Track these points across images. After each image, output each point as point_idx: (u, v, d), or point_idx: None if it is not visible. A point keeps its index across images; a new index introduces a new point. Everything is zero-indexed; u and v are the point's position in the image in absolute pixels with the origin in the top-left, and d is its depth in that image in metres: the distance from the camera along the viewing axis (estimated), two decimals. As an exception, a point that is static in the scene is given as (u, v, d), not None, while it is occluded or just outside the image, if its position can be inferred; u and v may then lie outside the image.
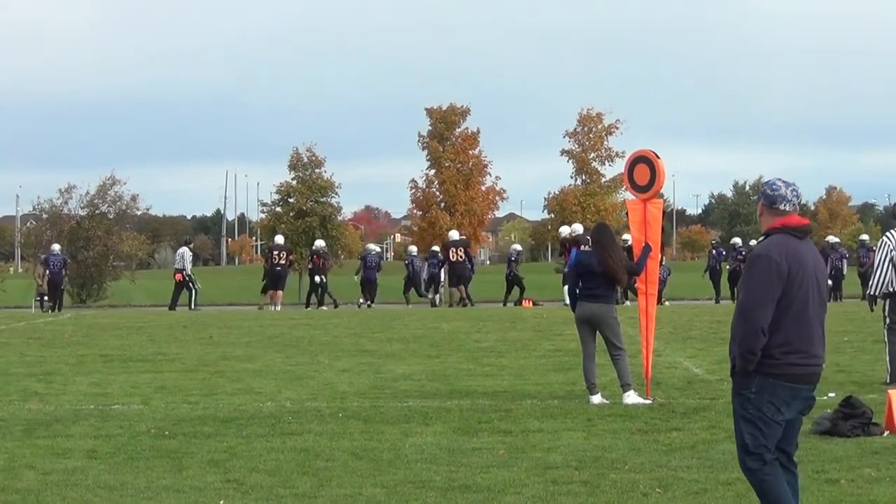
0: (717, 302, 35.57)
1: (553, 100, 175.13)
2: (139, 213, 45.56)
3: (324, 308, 34.03)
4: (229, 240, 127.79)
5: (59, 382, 14.63)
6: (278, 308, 33.87)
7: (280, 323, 25.44)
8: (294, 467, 9.03)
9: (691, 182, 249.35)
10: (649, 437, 10.21)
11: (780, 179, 6.33)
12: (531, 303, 34.42)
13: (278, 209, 46.14)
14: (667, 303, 32.66)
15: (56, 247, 36.24)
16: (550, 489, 8.19)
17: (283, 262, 35.09)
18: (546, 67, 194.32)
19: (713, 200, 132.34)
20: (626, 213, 14.93)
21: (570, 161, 54.36)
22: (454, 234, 36.77)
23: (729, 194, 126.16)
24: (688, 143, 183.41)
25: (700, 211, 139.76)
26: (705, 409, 11.74)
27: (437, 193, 50.41)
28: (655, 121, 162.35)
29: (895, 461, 9.01)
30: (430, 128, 50.70)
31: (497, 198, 52.12)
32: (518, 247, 40.15)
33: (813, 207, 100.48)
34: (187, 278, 33.89)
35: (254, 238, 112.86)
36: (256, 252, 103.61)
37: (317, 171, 46.14)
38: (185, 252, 34.74)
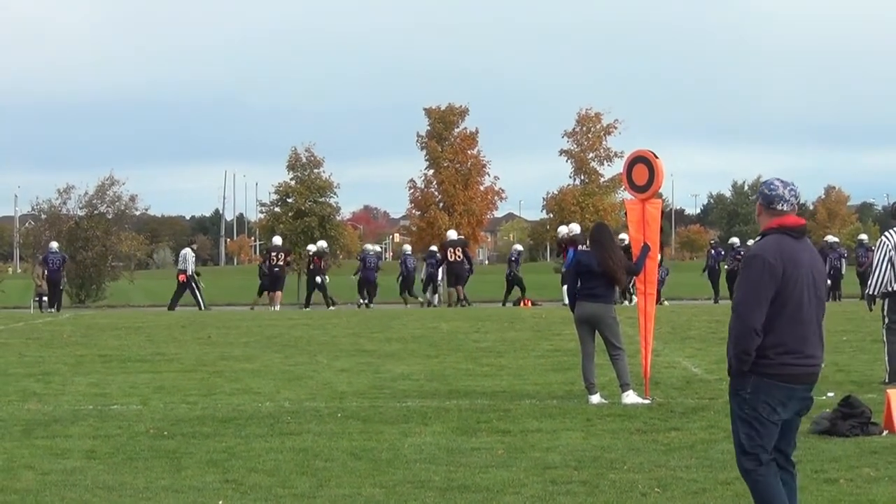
0: (715, 302, 35.56)
1: (552, 100, 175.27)
2: (138, 213, 45.56)
3: (331, 308, 34.08)
4: (228, 240, 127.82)
5: (58, 383, 14.63)
6: (277, 308, 33.96)
7: (278, 323, 25.44)
8: (293, 467, 9.03)
9: (690, 182, 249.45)
10: (648, 437, 10.22)
11: (778, 179, 6.32)
12: (530, 303, 34.43)
13: (277, 209, 46.14)
14: (666, 302, 32.66)
15: (54, 244, 36.23)
16: (549, 489, 8.19)
17: (281, 262, 35.15)
18: (545, 67, 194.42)
19: (712, 200, 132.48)
20: (625, 213, 14.93)
21: (569, 161, 54.39)
22: (452, 234, 36.76)
23: (728, 194, 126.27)
24: (687, 143, 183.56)
25: (699, 211, 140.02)
26: (704, 408, 11.74)
27: (436, 193, 50.42)
28: (655, 121, 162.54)
29: (894, 461, 9.01)
30: (428, 128, 50.71)
31: (496, 198, 52.12)
32: (519, 247, 40.13)
33: (812, 207, 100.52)
34: (191, 279, 33.91)
35: (252, 238, 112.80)
36: (255, 252, 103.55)
37: (315, 171, 46.13)
38: (188, 253, 34.76)
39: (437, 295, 36.57)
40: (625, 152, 44.80)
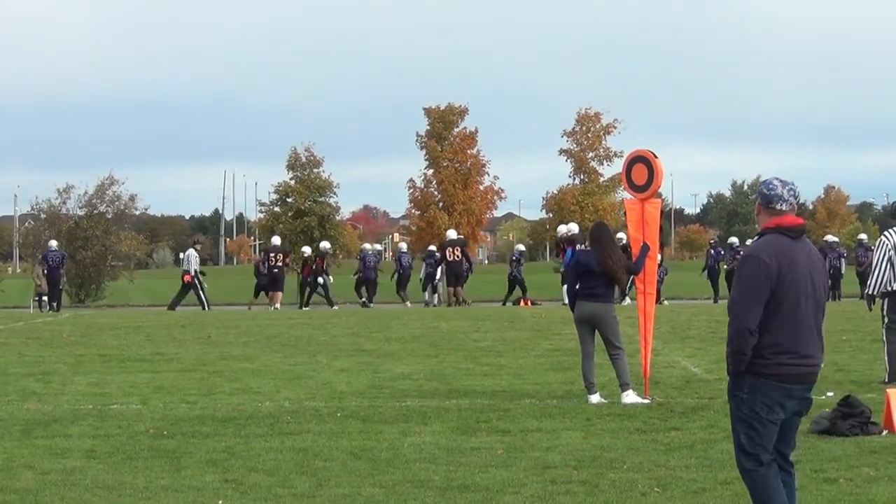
0: (715, 301, 35.55)
1: (552, 100, 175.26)
2: (137, 212, 45.57)
3: (335, 308, 34.08)
4: (227, 240, 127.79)
5: (58, 382, 14.62)
6: (278, 306, 34.03)
7: (278, 323, 25.43)
8: (292, 467, 9.03)
9: (690, 181, 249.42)
10: (648, 437, 10.22)
11: (777, 179, 6.30)
12: (530, 303, 34.40)
13: (276, 209, 46.15)
14: (665, 302, 32.67)
15: (53, 243, 36.21)
16: (549, 489, 8.19)
17: (280, 263, 35.16)
18: (545, 67, 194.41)
19: (711, 200, 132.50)
20: (625, 213, 14.94)
21: (569, 160, 54.43)
22: (452, 234, 36.76)
23: (727, 194, 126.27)
24: (687, 142, 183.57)
25: (698, 210, 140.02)
26: (704, 408, 11.74)
27: (436, 193, 50.46)
28: (655, 120, 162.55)
29: (894, 460, 9.01)
30: (428, 127, 50.74)
31: (495, 197, 52.19)
32: (521, 247, 40.14)
33: (811, 207, 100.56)
34: (195, 279, 33.91)
35: (252, 238, 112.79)
36: (255, 252, 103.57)
37: (315, 170, 46.15)
38: (192, 253, 34.77)
39: (436, 295, 36.56)
40: (624, 152, 44.76)
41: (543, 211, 57.17)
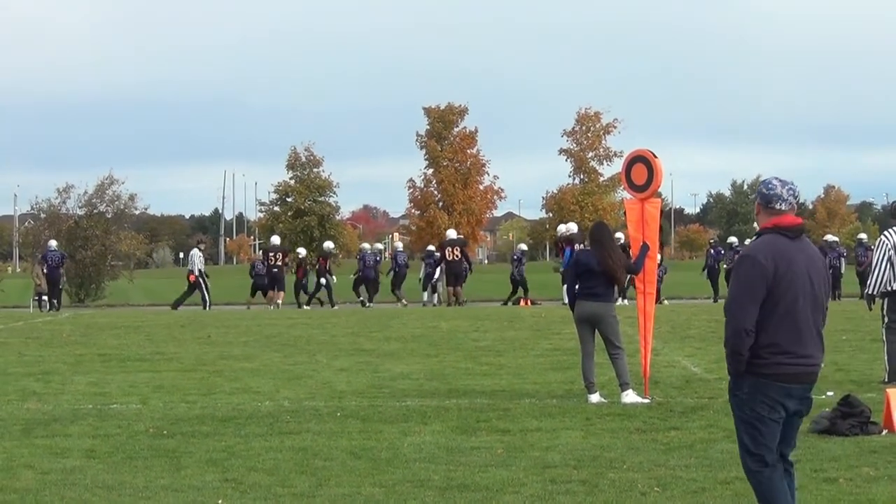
0: (715, 301, 35.54)
1: (552, 99, 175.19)
2: (137, 212, 45.58)
3: (336, 307, 34.10)
4: (227, 239, 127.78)
5: (58, 382, 14.63)
6: (279, 303, 34.15)
7: (278, 322, 25.43)
8: (292, 466, 9.03)
9: (689, 181, 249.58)
10: (648, 437, 10.21)
11: (776, 178, 6.29)
12: (530, 302, 34.39)
13: (276, 209, 46.18)
14: (665, 301, 32.67)
15: (53, 243, 36.23)
16: (549, 488, 8.19)
17: (279, 263, 35.19)
18: (545, 67, 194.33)
19: (711, 199, 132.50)
20: (624, 213, 14.94)
21: (569, 160, 54.46)
22: (452, 234, 36.75)
23: (727, 193, 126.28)
24: (687, 142, 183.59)
25: (698, 210, 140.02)
26: (703, 408, 11.74)
27: (436, 193, 50.48)
28: (655, 120, 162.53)
29: (893, 460, 9.01)
30: (428, 127, 50.75)
31: (495, 197, 52.22)
32: (523, 246, 40.11)
33: (811, 206, 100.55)
34: (200, 278, 33.94)
35: (252, 237, 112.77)
36: (255, 251, 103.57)
37: (315, 170, 46.19)
38: (196, 253, 34.80)
39: (436, 294, 36.55)
40: (624, 152, 44.76)
41: (543, 211, 57.27)
